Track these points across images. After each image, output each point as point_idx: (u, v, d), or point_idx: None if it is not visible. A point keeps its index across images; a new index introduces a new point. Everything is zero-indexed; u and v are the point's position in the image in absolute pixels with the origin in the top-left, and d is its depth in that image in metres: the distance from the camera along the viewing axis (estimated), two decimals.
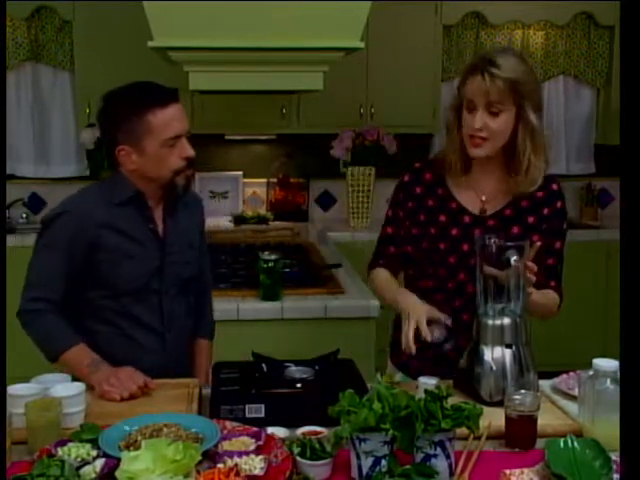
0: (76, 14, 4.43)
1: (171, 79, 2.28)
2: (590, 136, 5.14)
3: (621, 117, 1.56)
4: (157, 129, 1.89)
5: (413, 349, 1.77)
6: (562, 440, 1.49)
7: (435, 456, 1.42)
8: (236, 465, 1.40)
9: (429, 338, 1.77)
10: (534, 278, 1.78)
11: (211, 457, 1.46)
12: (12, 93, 4.66)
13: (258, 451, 1.47)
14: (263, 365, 1.83)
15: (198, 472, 1.38)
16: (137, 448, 1.43)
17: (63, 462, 1.39)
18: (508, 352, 1.76)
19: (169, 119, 1.90)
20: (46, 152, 4.77)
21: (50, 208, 2.10)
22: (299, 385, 1.75)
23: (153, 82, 1.96)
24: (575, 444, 1.47)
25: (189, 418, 1.63)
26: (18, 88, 4.68)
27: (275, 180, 4.97)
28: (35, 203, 4.87)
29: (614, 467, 1.39)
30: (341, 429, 1.40)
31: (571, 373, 1.87)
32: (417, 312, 1.81)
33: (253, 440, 1.51)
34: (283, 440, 1.52)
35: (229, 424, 1.59)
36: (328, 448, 1.44)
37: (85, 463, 1.43)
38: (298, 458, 1.44)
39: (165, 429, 1.53)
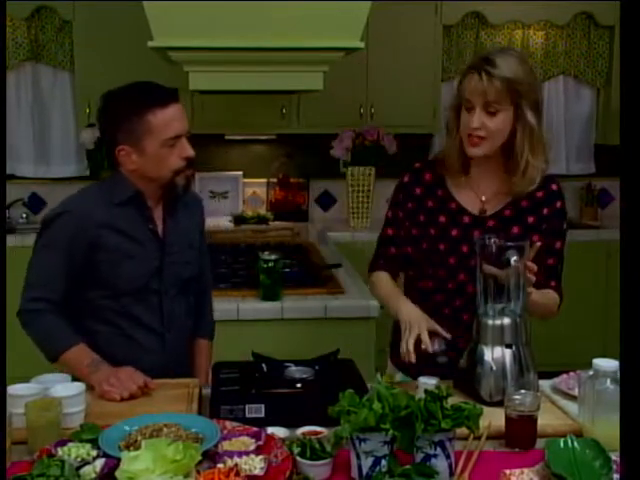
0: (76, 14, 4.43)
1: (171, 79, 2.28)
2: (590, 136, 5.14)
3: (621, 117, 1.56)
4: (157, 129, 1.89)
5: (413, 358, 1.78)
6: (562, 440, 1.49)
7: (435, 456, 1.42)
8: (236, 465, 1.40)
9: (430, 349, 1.78)
10: (534, 278, 1.78)
11: (211, 457, 1.46)
12: (12, 93, 4.66)
13: (258, 451, 1.47)
14: (263, 365, 1.83)
15: (198, 472, 1.37)
16: (137, 448, 1.43)
17: (63, 462, 1.39)
18: (508, 352, 1.77)
19: (169, 119, 1.90)
20: (46, 152, 4.77)
21: (50, 208, 2.10)
22: (299, 385, 1.75)
23: (153, 82, 1.96)
24: (575, 444, 1.47)
25: (189, 418, 1.63)
26: (18, 88, 4.68)
27: (275, 180, 4.97)
28: (35, 203, 4.87)
29: (614, 467, 1.39)
30: (341, 429, 1.40)
31: (571, 373, 1.87)
32: (420, 323, 1.82)
33: (253, 440, 1.51)
34: (283, 440, 1.52)
35: (229, 424, 1.59)
36: (328, 448, 1.44)
37: (85, 463, 1.43)
38: (298, 458, 1.44)
39: (165, 429, 1.53)
